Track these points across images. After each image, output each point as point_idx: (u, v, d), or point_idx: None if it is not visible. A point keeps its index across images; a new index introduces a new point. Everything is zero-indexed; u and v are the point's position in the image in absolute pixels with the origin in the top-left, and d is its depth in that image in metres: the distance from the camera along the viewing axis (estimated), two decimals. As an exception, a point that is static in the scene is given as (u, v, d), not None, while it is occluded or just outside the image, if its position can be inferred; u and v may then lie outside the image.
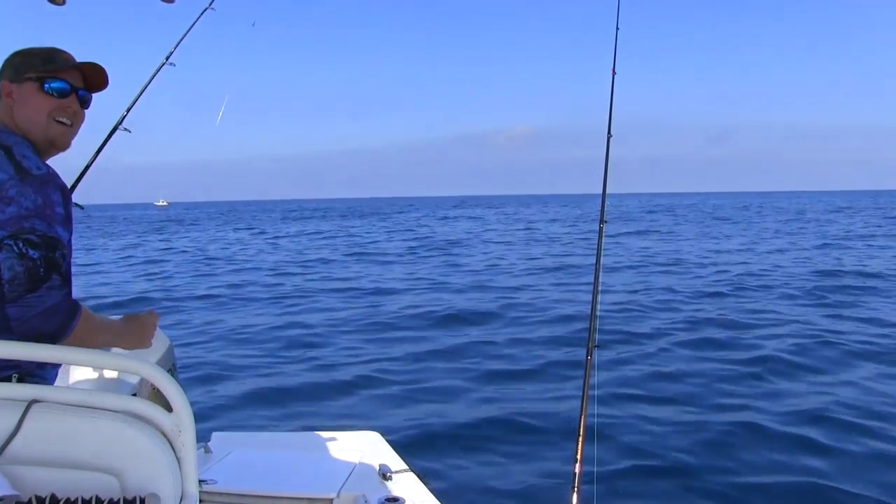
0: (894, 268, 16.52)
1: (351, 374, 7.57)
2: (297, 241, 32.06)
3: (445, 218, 55.69)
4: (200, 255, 24.76)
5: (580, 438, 2.38)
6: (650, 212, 60.29)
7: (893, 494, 4.28)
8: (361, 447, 2.83)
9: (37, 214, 1.51)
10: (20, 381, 1.56)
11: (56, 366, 1.74)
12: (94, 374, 2.44)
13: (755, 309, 11.07)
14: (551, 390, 6.78)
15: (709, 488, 4.47)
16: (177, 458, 1.46)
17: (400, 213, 74.77)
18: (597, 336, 2.68)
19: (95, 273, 19.22)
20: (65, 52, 1.79)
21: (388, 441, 2.89)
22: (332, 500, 2.41)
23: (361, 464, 2.66)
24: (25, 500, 1.34)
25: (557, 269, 17.80)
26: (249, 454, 2.81)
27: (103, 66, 1.81)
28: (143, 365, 1.52)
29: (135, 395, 2.25)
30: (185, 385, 1.62)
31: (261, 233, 39.65)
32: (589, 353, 2.66)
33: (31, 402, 1.42)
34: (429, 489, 2.40)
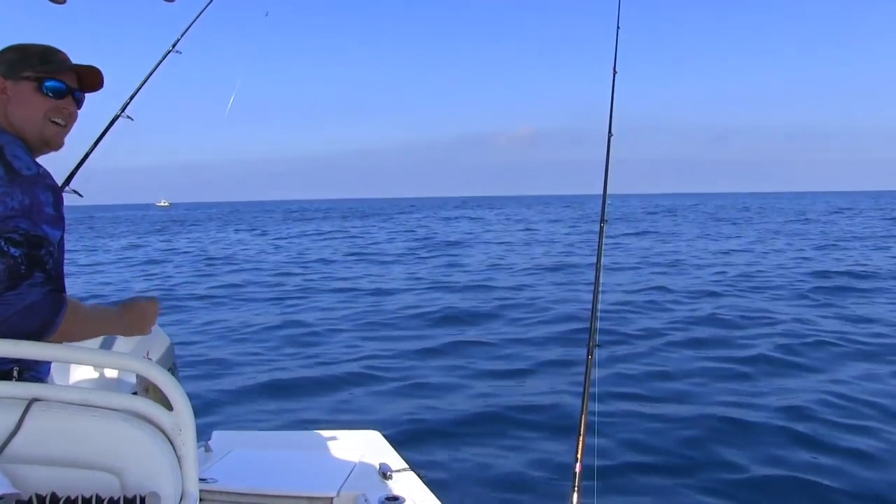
0: (891, 268, 16.57)
1: (350, 372, 7.62)
2: (298, 241, 32.08)
3: (447, 219, 55.72)
4: (201, 256, 24.80)
5: (581, 437, 2.38)
6: (651, 213, 60.38)
7: (886, 491, 4.36)
8: (361, 446, 2.83)
9: (23, 214, 1.50)
10: (20, 374, 1.57)
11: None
12: (95, 373, 2.44)
13: (753, 308, 11.15)
14: (551, 389, 6.81)
15: (709, 485, 4.52)
16: (177, 456, 1.46)
17: (401, 213, 74.81)
18: (597, 335, 2.67)
19: (95, 273, 19.25)
20: (61, 52, 1.78)
21: (388, 440, 2.89)
22: (332, 499, 2.41)
23: (361, 463, 2.66)
24: (26, 498, 1.34)
25: (557, 269, 17.83)
26: (250, 453, 2.81)
27: (100, 68, 1.81)
28: (144, 364, 1.52)
29: (135, 393, 2.25)
30: (185, 383, 1.62)
31: (262, 233, 39.69)
32: (590, 352, 2.66)
33: (32, 401, 1.42)
34: (429, 488, 2.40)
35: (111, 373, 2.44)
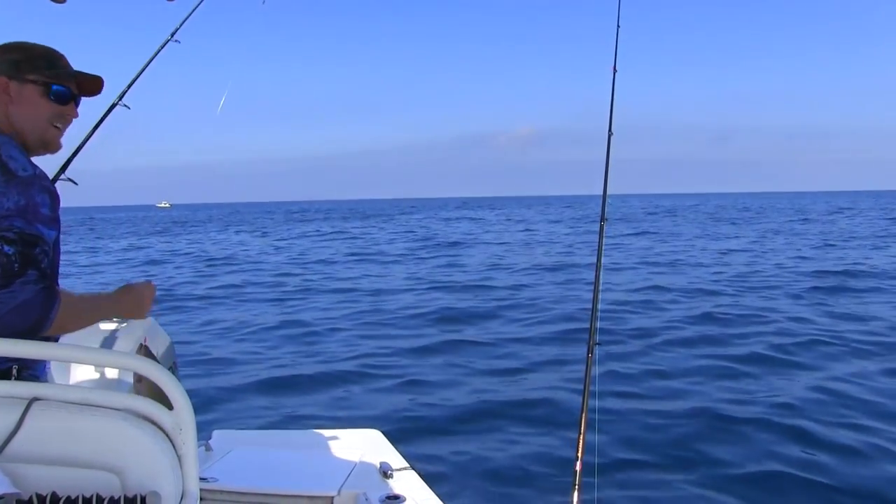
0: (887, 267, 16.62)
1: (349, 370, 7.67)
2: (299, 242, 32.10)
3: (447, 219, 55.79)
4: (202, 257, 24.81)
5: (581, 436, 2.38)
6: (651, 213, 60.48)
7: (877, 486, 4.42)
8: (362, 445, 2.83)
9: (17, 214, 1.50)
10: (20, 372, 1.57)
11: None
12: (95, 372, 2.44)
13: (750, 307, 11.22)
14: (551, 387, 6.84)
15: (707, 481, 4.56)
16: (177, 456, 1.45)
17: (402, 214, 74.87)
18: (597, 333, 2.67)
19: (96, 273, 19.25)
20: (62, 56, 1.79)
21: (388, 438, 2.89)
22: (332, 498, 2.41)
23: (362, 461, 2.66)
24: (26, 498, 1.33)
25: (557, 269, 17.85)
26: (250, 452, 2.81)
27: (102, 77, 1.83)
28: (145, 363, 1.51)
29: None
30: (186, 381, 1.62)
31: (262, 235, 39.71)
32: (590, 350, 2.66)
33: (32, 400, 1.42)
34: (430, 486, 2.40)
35: (111, 372, 2.44)
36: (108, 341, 2.40)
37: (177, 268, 20.96)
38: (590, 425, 2.54)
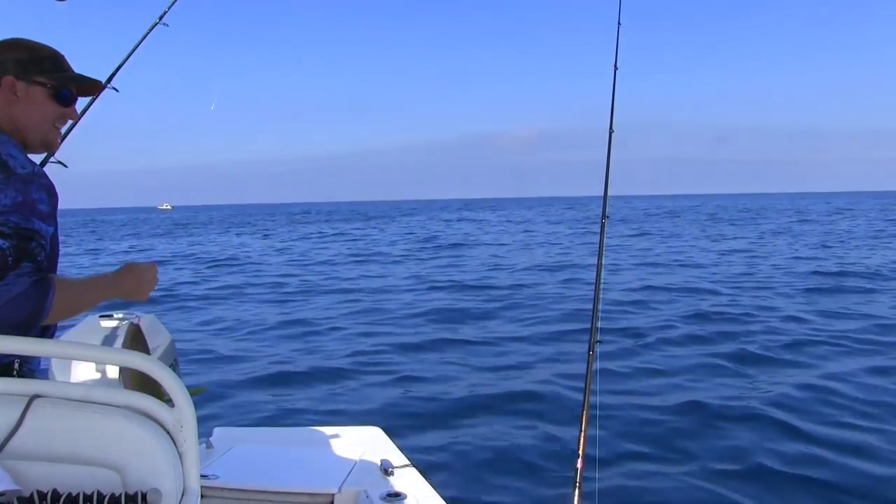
0: (880, 266, 16.71)
1: (349, 368, 7.75)
2: (301, 244, 32.15)
3: (448, 221, 55.87)
4: (204, 258, 24.84)
5: (582, 433, 2.38)
6: (653, 214, 60.59)
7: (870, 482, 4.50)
8: (363, 442, 2.82)
9: (14, 210, 1.52)
10: (20, 367, 1.58)
11: None
12: (96, 369, 2.43)
13: (748, 306, 11.34)
14: (551, 385, 6.89)
15: (707, 478, 4.61)
16: (178, 453, 1.45)
17: (404, 216, 74.94)
18: (598, 330, 2.67)
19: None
20: (64, 57, 1.80)
21: (389, 436, 2.89)
22: (333, 495, 2.41)
23: (363, 459, 2.66)
24: (27, 495, 1.33)
25: (556, 269, 17.92)
26: (251, 450, 2.81)
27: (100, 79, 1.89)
28: (145, 360, 1.51)
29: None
30: (186, 379, 1.62)
31: (264, 236, 39.74)
32: (591, 347, 2.65)
33: (33, 398, 1.42)
34: (431, 484, 2.40)
35: (112, 369, 2.44)
36: (109, 339, 2.40)
37: (177, 269, 20.98)
38: (590, 422, 2.55)
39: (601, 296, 2.83)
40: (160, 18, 3.44)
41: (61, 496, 1.34)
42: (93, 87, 1.86)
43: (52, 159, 2.35)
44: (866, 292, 12.76)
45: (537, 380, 7.10)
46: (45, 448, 1.41)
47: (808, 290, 13.11)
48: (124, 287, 1.79)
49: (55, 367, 2.30)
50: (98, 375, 2.41)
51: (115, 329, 2.44)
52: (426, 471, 2.56)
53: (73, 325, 2.50)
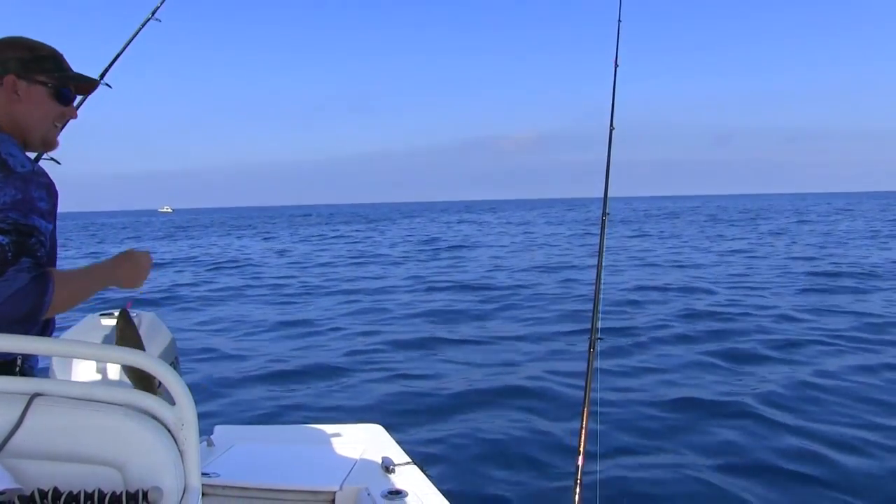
0: (881, 266, 16.79)
1: (348, 367, 7.83)
2: (302, 246, 32.17)
3: (450, 223, 55.95)
4: (205, 260, 24.87)
5: (583, 429, 2.37)
6: (653, 215, 60.72)
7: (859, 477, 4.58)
8: (364, 440, 2.82)
9: (13, 207, 1.52)
10: (22, 365, 1.58)
11: None
12: (97, 367, 2.43)
13: (746, 305, 11.45)
14: (551, 383, 6.96)
15: (703, 472, 4.69)
16: (179, 451, 1.45)
17: (405, 218, 75.01)
18: (599, 327, 2.67)
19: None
20: (63, 56, 1.82)
21: (390, 433, 2.89)
22: (334, 493, 2.41)
23: (364, 456, 2.66)
24: (28, 493, 1.33)
25: (556, 270, 17.98)
26: (252, 447, 2.81)
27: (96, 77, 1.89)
28: (146, 358, 1.51)
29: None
30: (187, 377, 1.62)
31: (265, 238, 39.76)
32: (592, 345, 2.65)
33: (34, 396, 1.42)
34: (432, 481, 2.39)
35: (113, 367, 2.43)
36: (110, 337, 2.39)
37: (178, 272, 21.01)
38: (591, 418, 2.55)
39: (601, 293, 2.83)
40: (153, 14, 3.44)
41: (62, 494, 1.34)
42: (90, 86, 1.88)
43: (44, 156, 2.35)
44: (860, 292, 12.86)
45: (536, 378, 7.17)
46: (46, 446, 1.40)
47: (804, 290, 13.21)
48: (121, 275, 1.79)
49: (56, 365, 2.30)
50: (99, 374, 2.41)
51: (115, 327, 2.43)
52: (427, 466, 2.56)
53: (73, 324, 2.50)
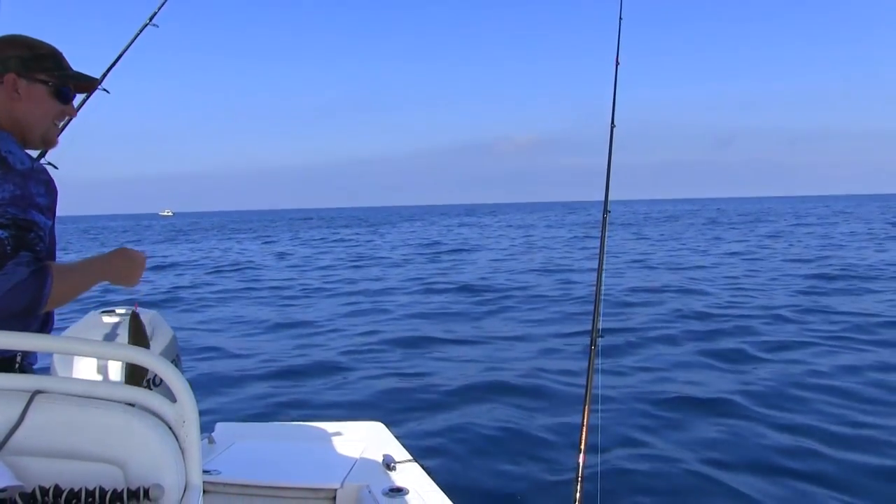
0: (874, 267, 16.91)
1: (350, 366, 7.89)
2: (302, 248, 32.22)
3: (450, 226, 56.02)
4: (205, 263, 24.91)
5: (584, 426, 2.37)
6: (653, 218, 60.83)
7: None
8: (365, 437, 2.82)
9: (12, 202, 1.53)
10: (21, 361, 1.58)
11: None
12: (98, 365, 2.43)
13: (742, 306, 11.53)
14: (550, 382, 7.01)
15: (699, 467, 4.75)
16: (181, 448, 1.45)
17: (405, 221, 75.06)
18: (601, 322, 2.66)
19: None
20: (63, 55, 1.82)
21: (391, 431, 2.88)
22: (335, 490, 2.41)
23: (365, 454, 2.66)
24: (29, 490, 1.33)
25: (556, 272, 18.05)
26: (253, 445, 2.81)
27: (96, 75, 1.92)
28: (147, 355, 1.51)
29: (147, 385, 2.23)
30: (188, 374, 1.62)
31: (265, 242, 39.79)
32: (593, 342, 2.64)
33: (35, 393, 1.42)
34: (433, 479, 2.39)
35: (114, 365, 2.43)
36: (111, 335, 2.39)
37: (178, 275, 21.03)
38: (592, 415, 2.55)
39: (603, 290, 2.83)
40: (150, 19, 3.45)
41: (63, 492, 1.33)
42: (90, 85, 1.89)
43: (42, 160, 2.36)
44: (855, 293, 12.95)
45: (535, 376, 7.24)
46: (48, 443, 1.40)
47: (799, 292, 13.29)
48: (117, 271, 1.80)
49: (57, 362, 2.30)
50: (100, 371, 2.41)
51: (116, 325, 2.44)
52: (427, 462, 2.56)
53: (74, 321, 2.50)
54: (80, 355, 2.13)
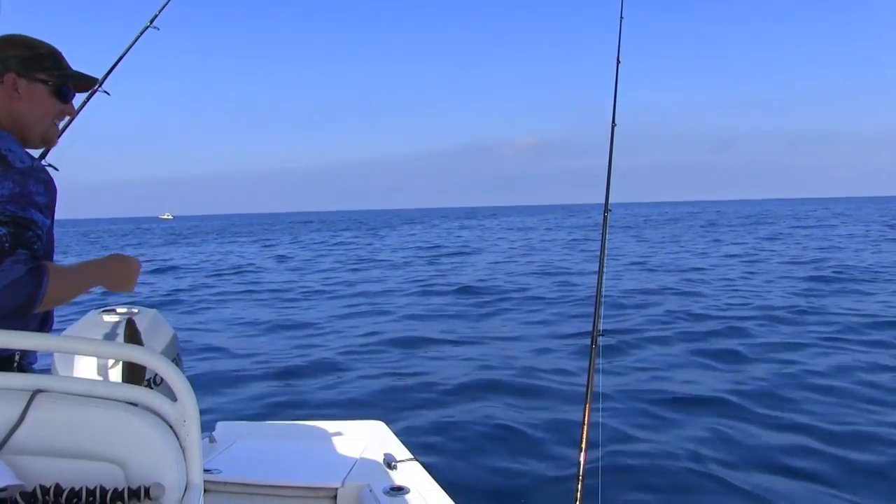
0: (870, 269, 16.96)
1: (350, 365, 7.95)
2: (302, 251, 32.25)
3: (451, 229, 56.08)
4: (205, 266, 24.92)
5: (585, 426, 2.37)
6: (652, 220, 60.95)
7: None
8: (366, 436, 2.82)
9: (11, 200, 1.54)
10: (20, 360, 1.58)
11: None
12: (99, 364, 2.42)
13: (740, 307, 11.61)
14: (546, 381, 7.08)
15: (697, 463, 4.81)
16: (181, 447, 1.44)
17: (405, 224, 75.11)
18: (601, 322, 2.66)
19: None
20: (62, 54, 1.83)
21: (392, 429, 2.88)
22: (336, 489, 2.40)
23: (366, 453, 2.66)
24: (30, 489, 1.33)
25: (555, 274, 18.07)
26: (254, 444, 2.81)
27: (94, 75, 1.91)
28: (148, 354, 1.51)
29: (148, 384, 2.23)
30: (188, 373, 1.62)
31: (265, 245, 39.81)
32: (594, 340, 2.64)
33: (36, 392, 1.42)
34: (434, 478, 2.39)
35: (115, 364, 2.43)
36: (110, 335, 2.39)
37: (178, 278, 21.04)
38: (593, 413, 2.55)
39: (603, 286, 2.83)
40: (151, 22, 3.46)
41: (64, 491, 1.33)
42: (90, 84, 1.90)
43: (43, 162, 2.37)
44: (852, 293, 13.02)
45: (534, 376, 7.29)
46: (48, 443, 1.40)
47: (797, 293, 13.36)
48: (113, 276, 1.81)
49: (58, 361, 2.30)
50: (101, 371, 2.40)
51: (116, 324, 2.43)
52: (428, 460, 2.56)
53: (74, 320, 2.50)
54: (80, 354, 2.13)
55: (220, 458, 2.60)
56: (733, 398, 6.29)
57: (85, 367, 2.32)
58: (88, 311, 2.52)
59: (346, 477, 2.44)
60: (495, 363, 7.95)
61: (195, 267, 24.78)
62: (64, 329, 2.54)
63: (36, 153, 1.89)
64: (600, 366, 2.65)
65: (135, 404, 1.45)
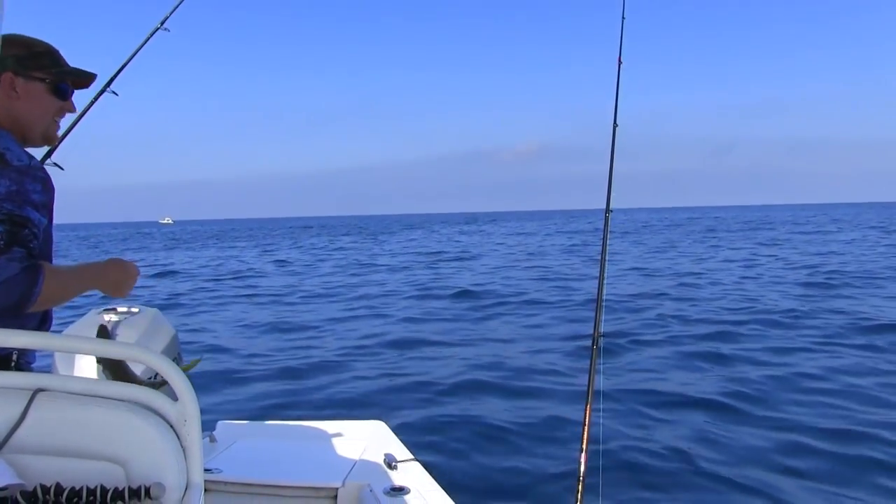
0: (868, 273, 17.08)
1: (350, 365, 8.01)
2: (302, 256, 32.24)
3: (451, 234, 56.13)
4: (206, 269, 24.93)
5: (585, 427, 2.36)
6: (652, 226, 61.11)
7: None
8: (367, 436, 2.82)
9: (8, 198, 1.54)
10: (18, 359, 1.59)
11: None
12: (99, 363, 2.42)
13: (737, 310, 11.68)
14: (545, 381, 7.11)
15: (697, 461, 4.86)
16: (182, 447, 1.44)
17: (405, 229, 75.14)
18: (602, 325, 2.66)
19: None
20: (59, 52, 1.83)
21: (392, 430, 2.88)
22: (337, 489, 2.40)
23: (367, 453, 2.65)
24: (30, 488, 1.33)
25: (554, 278, 18.11)
26: (254, 444, 2.81)
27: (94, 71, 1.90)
28: (148, 354, 1.51)
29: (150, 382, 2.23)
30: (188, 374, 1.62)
31: (265, 250, 39.80)
32: (595, 342, 2.63)
33: (36, 391, 1.42)
34: (434, 478, 2.38)
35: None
36: (111, 334, 2.38)
37: (179, 282, 21.03)
38: (595, 421, 2.55)
39: (605, 286, 2.83)
40: (162, 23, 3.44)
41: (65, 490, 1.33)
42: (88, 80, 1.89)
43: (48, 161, 2.37)
44: (847, 298, 13.06)
45: (533, 376, 7.33)
46: (49, 442, 1.40)
47: (794, 296, 13.41)
48: (110, 280, 1.80)
49: (59, 361, 2.30)
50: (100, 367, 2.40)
51: (116, 323, 2.43)
52: (427, 460, 2.56)
53: (74, 320, 2.50)
54: (80, 353, 2.13)
55: (220, 458, 2.60)
56: (734, 399, 6.34)
57: (85, 367, 2.32)
58: (89, 311, 2.53)
59: (346, 477, 2.43)
60: (495, 364, 7.98)
61: (195, 271, 24.77)
62: (63, 329, 2.54)
63: (40, 153, 1.89)
64: (601, 366, 2.64)
65: (136, 404, 1.45)
